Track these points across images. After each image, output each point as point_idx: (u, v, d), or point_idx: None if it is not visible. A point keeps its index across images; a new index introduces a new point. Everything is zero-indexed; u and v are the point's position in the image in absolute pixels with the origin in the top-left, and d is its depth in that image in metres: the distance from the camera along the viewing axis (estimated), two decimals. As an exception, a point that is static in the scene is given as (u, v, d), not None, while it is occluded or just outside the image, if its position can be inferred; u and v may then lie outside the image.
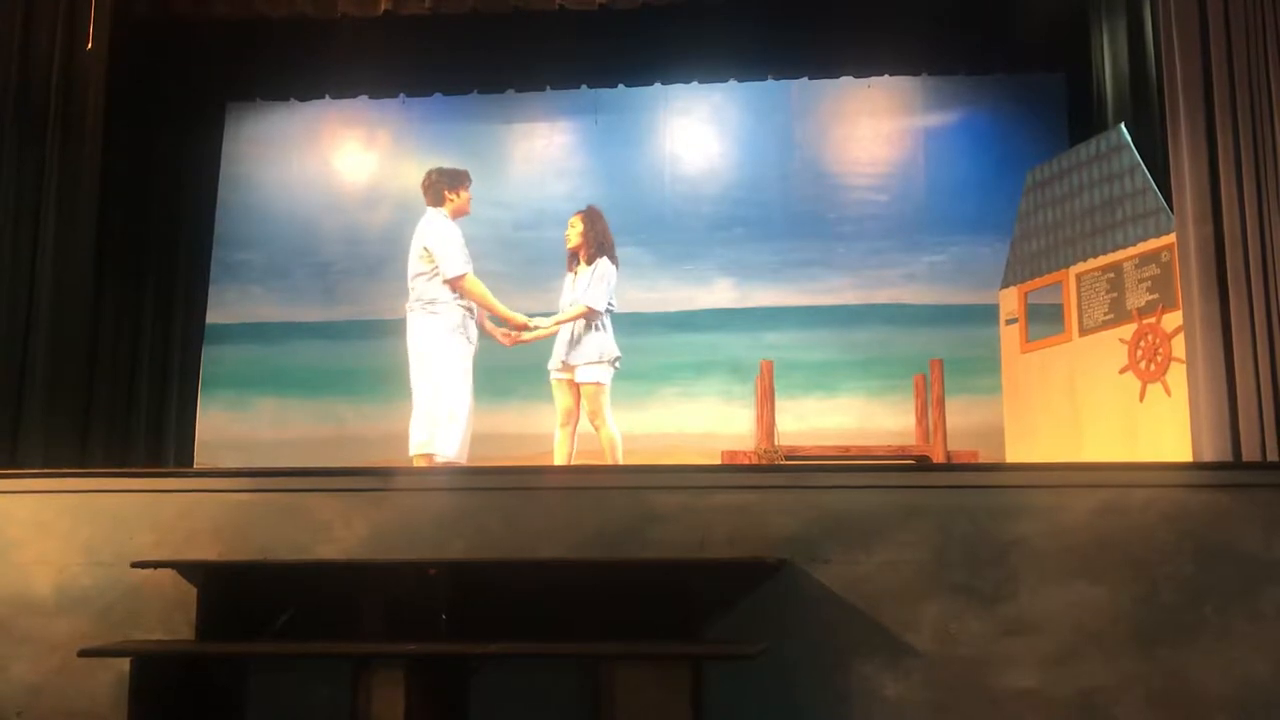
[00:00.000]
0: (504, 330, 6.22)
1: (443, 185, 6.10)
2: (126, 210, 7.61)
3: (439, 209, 6.06)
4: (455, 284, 5.88)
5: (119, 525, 4.20)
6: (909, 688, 3.79)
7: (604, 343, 6.16)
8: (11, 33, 5.97)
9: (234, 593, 4.03)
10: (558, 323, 6.19)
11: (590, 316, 6.10)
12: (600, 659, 3.65)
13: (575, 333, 6.15)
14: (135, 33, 6.83)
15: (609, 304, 6.17)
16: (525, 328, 6.21)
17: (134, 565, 4.01)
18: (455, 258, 5.90)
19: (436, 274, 5.90)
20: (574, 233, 6.30)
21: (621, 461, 6.08)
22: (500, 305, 6.05)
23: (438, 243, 5.91)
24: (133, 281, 7.79)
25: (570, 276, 6.34)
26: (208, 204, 8.24)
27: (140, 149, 7.73)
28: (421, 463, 5.75)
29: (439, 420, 5.79)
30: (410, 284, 5.98)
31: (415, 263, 5.97)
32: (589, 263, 6.21)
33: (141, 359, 7.80)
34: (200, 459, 7.77)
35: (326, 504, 4.17)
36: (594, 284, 6.13)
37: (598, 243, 6.22)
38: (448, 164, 6.29)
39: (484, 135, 8.26)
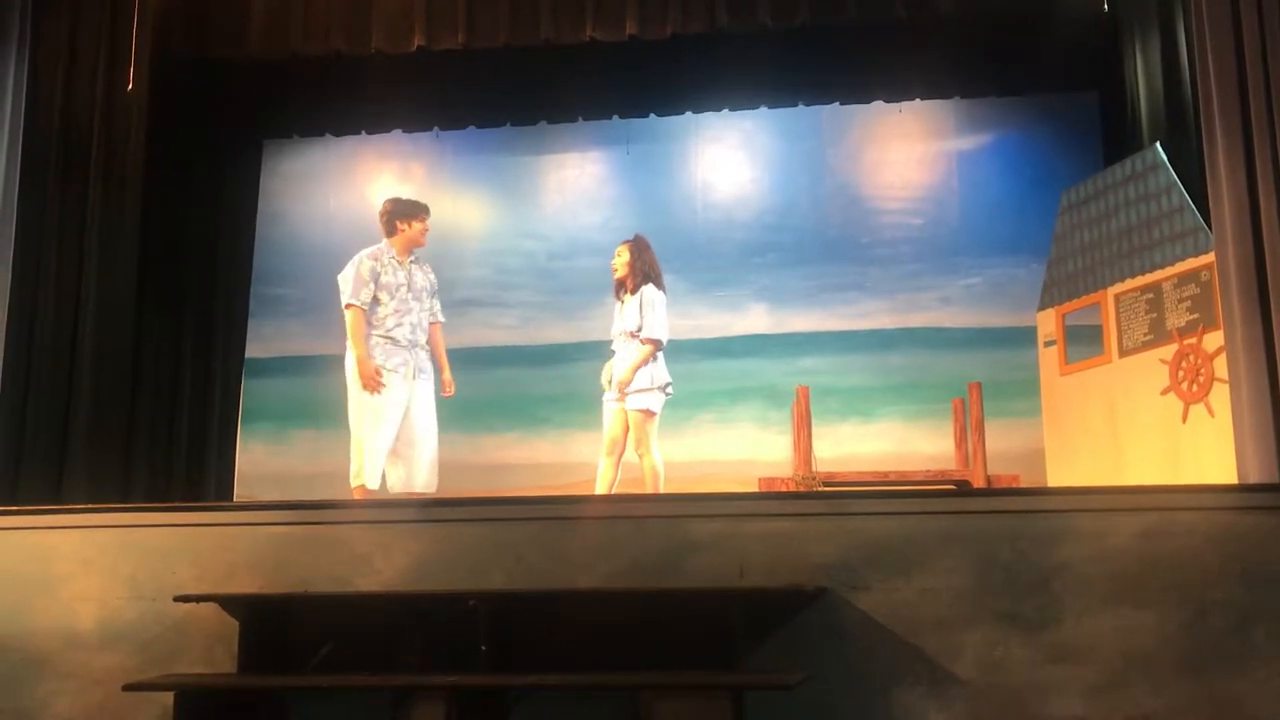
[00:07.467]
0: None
1: (396, 216, 6.29)
2: (166, 247, 7.71)
3: (389, 240, 6.28)
4: (345, 309, 6.06)
5: (161, 559, 4.24)
6: (952, 717, 3.74)
7: (654, 370, 6.17)
8: (55, 76, 6.12)
9: (275, 626, 4.05)
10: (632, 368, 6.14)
11: (657, 347, 6.14)
12: (640, 689, 3.64)
13: (626, 360, 6.18)
14: (174, 74, 6.94)
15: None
16: (375, 380, 6.07)
17: (176, 599, 4.05)
18: (350, 288, 6.08)
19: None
20: (620, 262, 6.38)
21: (661, 491, 6.07)
22: (363, 349, 6.02)
23: (345, 272, 6.15)
24: (173, 318, 7.87)
25: (618, 305, 6.38)
26: (246, 240, 8.32)
27: (179, 187, 7.84)
28: (359, 495, 5.87)
29: (381, 453, 5.98)
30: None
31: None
32: (633, 292, 6.25)
33: (182, 394, 7.87)
34: (240, 492, 7.82)
35: (365, 536, 4.19)
36: (646, 314, 6.16)
37: (643, 272, 6.28)
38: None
39: (517, 167, 8.30)
